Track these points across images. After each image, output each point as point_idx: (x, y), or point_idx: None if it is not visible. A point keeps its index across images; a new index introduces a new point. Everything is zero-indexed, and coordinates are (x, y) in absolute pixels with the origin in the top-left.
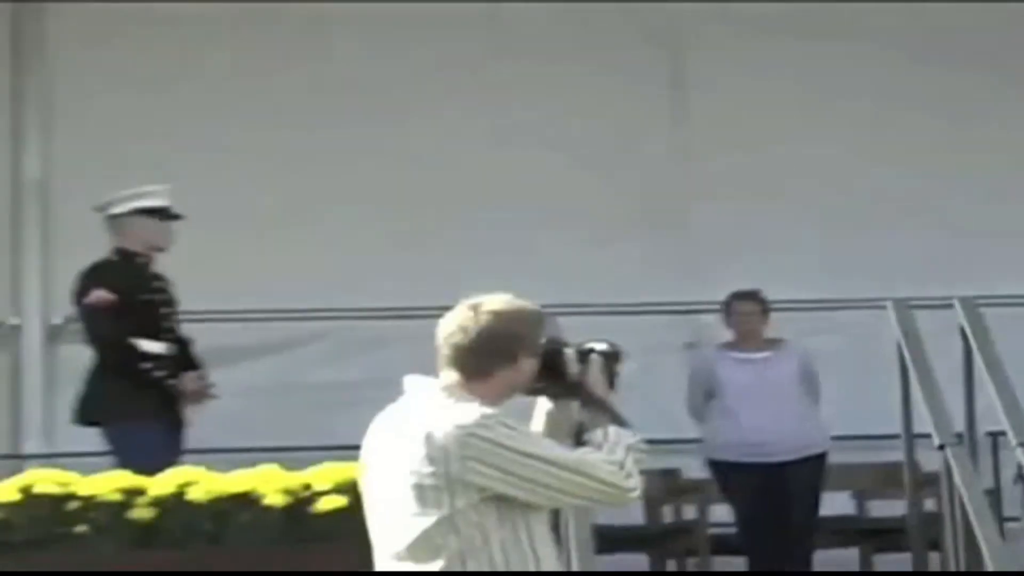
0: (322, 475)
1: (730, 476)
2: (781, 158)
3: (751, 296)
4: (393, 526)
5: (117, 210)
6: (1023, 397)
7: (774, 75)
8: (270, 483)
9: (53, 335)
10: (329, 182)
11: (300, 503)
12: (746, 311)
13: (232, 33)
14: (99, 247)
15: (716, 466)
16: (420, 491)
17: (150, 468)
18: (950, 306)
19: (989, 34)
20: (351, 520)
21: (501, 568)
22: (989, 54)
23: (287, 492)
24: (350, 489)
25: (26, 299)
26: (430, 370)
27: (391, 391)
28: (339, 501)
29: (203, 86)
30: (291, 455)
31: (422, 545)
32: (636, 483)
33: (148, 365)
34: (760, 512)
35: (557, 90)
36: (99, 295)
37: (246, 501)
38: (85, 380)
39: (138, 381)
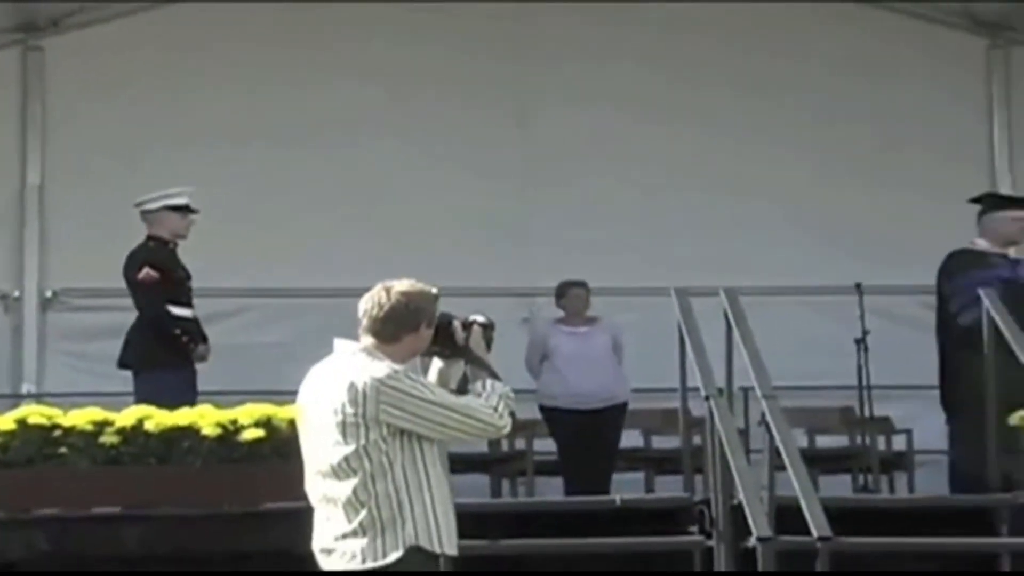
0: (245, 413)
1: (556, 418)
2: (605, 171)
3: (579, 284)
4: (322, 452)
5: (150, 206)
6: (767, 361)
7: (601, 100)
8: (206, 418)
9: (45, 305)
10: (262, 190)
11: (229, 433)
12: (575, 295)
13: (207, 56)
14: (85, 237)
15: (546, 411)
16: (343, 426)
17: (173, 405)
18: (717, 293)
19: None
20: (266, 446)
21: (401, 485)
22: (735, 74)
23: (219, 425)
24: (266, 423)
25: (26, 276)
26: (341, 335)
27: (311, 351)
28: (258, 432)
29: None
30: (239, 397)
31: (343, 466)
32: (507, 421)
33: (178, 330)
34: (576, 445)
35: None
36: (147, 272)
37: (188, 431)
38: (128, 335)
39: (169, 341)
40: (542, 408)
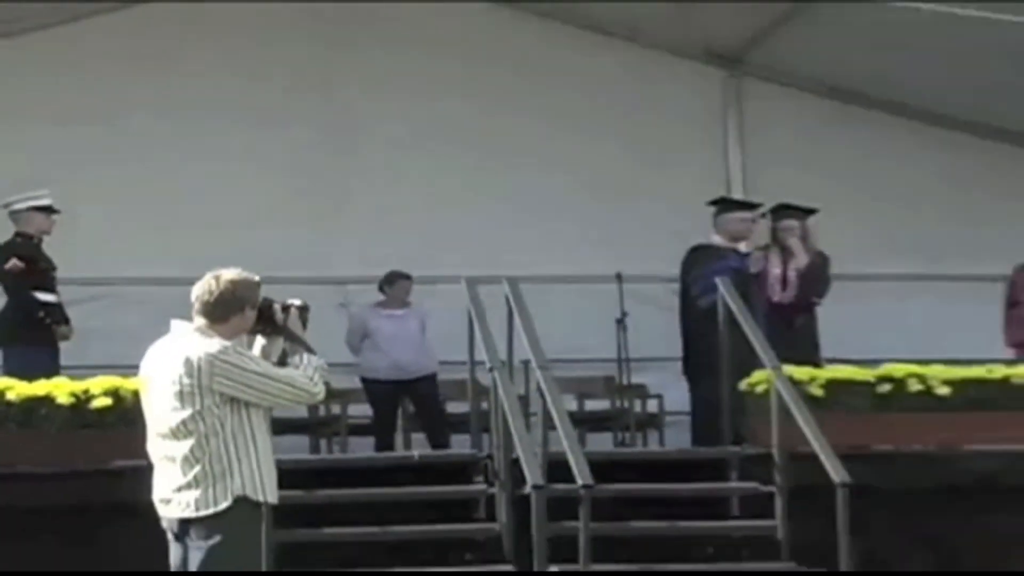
0: (96, 384)
1: (376, 388)
2: (416, 169)
3: (406, 276)
4: (162, 417)
5: (18, 207)
6: (544, 338)
7: (414, 96)
8: (61, 389)
9: None
10: (116, 192)
11: (81, 402)
12: (402, 285)
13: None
14: None
15: (368, 382)
16: (180, 395)
17: (38, 377)
18: (502, 281)
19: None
20: (114, 413)
21: (231, 444)
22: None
23: (73, 395)
24: (114, 393)
25: None
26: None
27: (154, 332)
28: (107, 401)
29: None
30: (94, 371)
31: (181, 428)
32: (321, 389)
33: (42, 313)
34: (392, 409)
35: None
36: (14, 263)
37: (45, 400)
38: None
39: (35, 322)
40: (364, 380)
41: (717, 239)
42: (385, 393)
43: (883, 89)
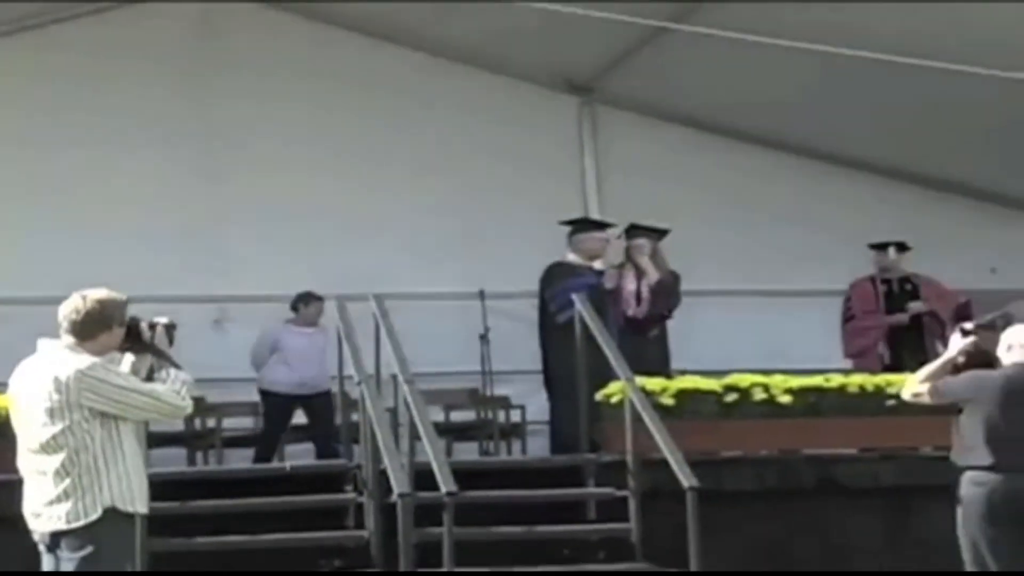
0: None
1: (276, 401)
2: (287, 188)
3: (319, 298)
4: (32, 432)
5: None
6: (412, 352)
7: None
8: None
9: None
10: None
11: None
12: (316, 306)
13: None
14: None
15: (268, 394)
16: (50, 411)
17: None
18: (367, 299)
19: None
20: None
21: (100, 457)
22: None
23: None
24: None
25: None
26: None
27: (24, 351)
28: None
29: None
30: None
31: (51, 443)
32: (188, 403)
33: None
34: (284, 422)
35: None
36: None
37: None
38: None
39: None
40: (265, 392)
41: (573, 257)
42: (283, 406)
43: (732, 117)
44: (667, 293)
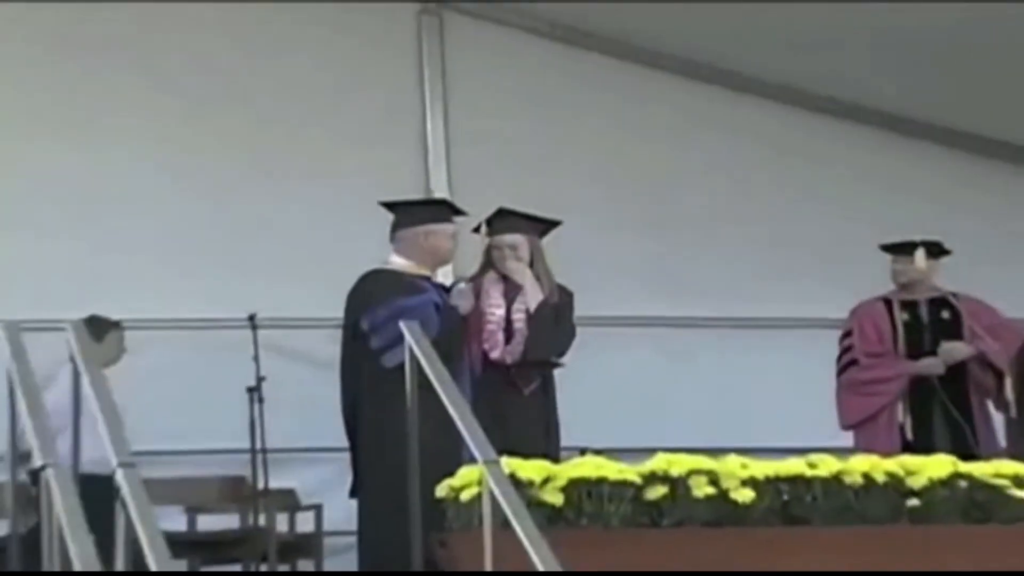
0: None
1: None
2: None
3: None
4: None
5: None
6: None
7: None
8: None
9: None
10: None
11: None
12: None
13: None
14: None
15: None
16: None
17: None
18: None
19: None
20: None
21: None
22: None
23: None
24: None
25: None
26: None
27: None
28: None
29: None
30: None
31: None
32: None
33: None
34: None
35: None
36: None
37: None
38: None
39: None
40: None
41: (402, 262)
42: None
43: (610, 25)
44: (554, 322)
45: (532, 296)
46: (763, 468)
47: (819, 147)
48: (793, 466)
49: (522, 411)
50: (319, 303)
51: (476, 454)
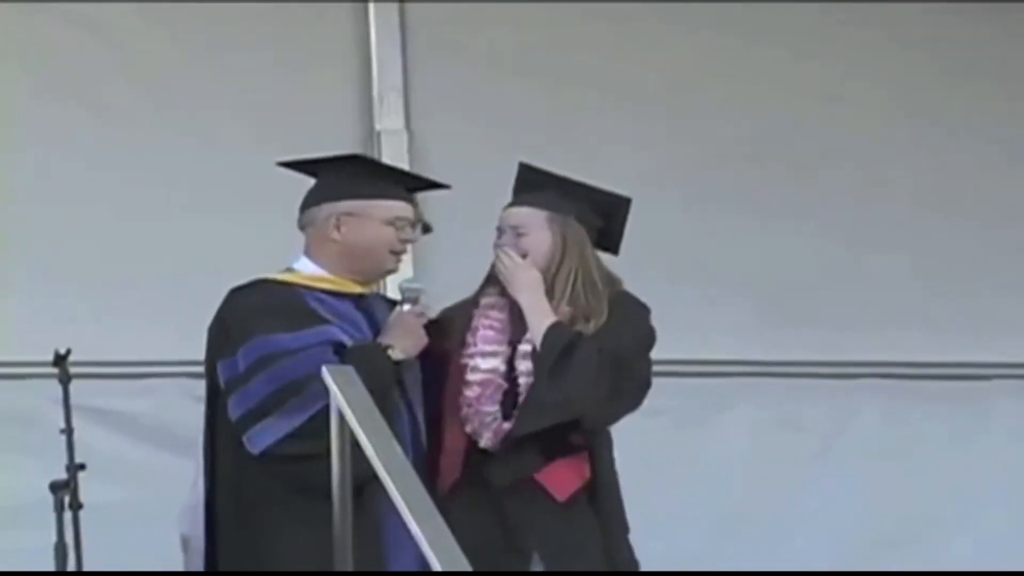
0: None
1: None
2: None
3: None
4: None
5: None
6: None
7: None
8: None
9: None
10: None
11: None
12: None
13: None
14: None
15: None
16: None
17: None
18: None
19: None
20: None
21: None
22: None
23: None
24: None
25: None
26: None
27: None
28: None
29: None
30: None
31: None
32: None
33: None
34: None
35: None
36: None
37: None
38: None
39: None
40: None
41: (309, 268)
42: None
43: None
44: (581, 371)
45: (537, 322)
46: None
47: None
48: None
49: (556, 536)
50: (178, 342)
51: None
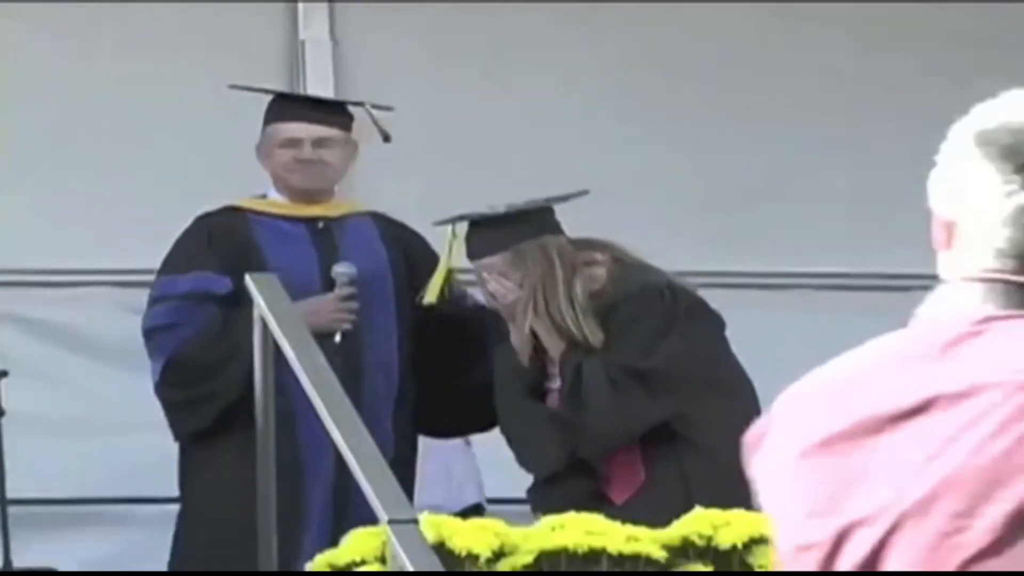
0: None
1: None
2: None
3: None
4: None
5: None
6: None
7: None
8: None
9: None
10: None
11: None
12: None
13: None
14: None
15: None
16: None
17: None
18: None
19: None
20: None
21: None
22: None
23: None
24: None
25: None
26: None
27: None
28: None
29: None
30: None
31: None
32: None
33: None
34: None
35: None
36: None
37: None
38: None
39: None
40: None
41: (272, 192)
42: None
43: None
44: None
45: (551, 342)
46: None
47: None
48: None
49: None
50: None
51: (377, 506)
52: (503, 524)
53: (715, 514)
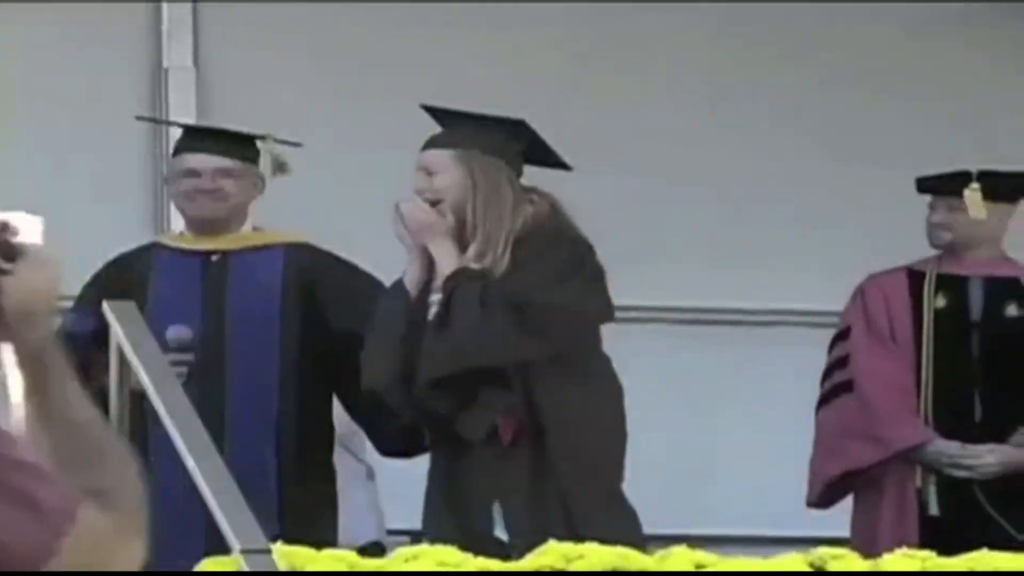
0: None
1: None
2: None
3: None
4: None
5: None
6: None
7: None
8: None
9: None
10: None
11: None
12: None
13: None
14: None
15: None
16: None
17: None
18: None
19: None
20: None
21: None
22: None
23: None
24: None
25: None
26: None
27: None
28: None
29: None
30: None
31: None
32: None
33: None
34: None
35: None
36: None
37: None
38: None
39: None
40: None
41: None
42: None
43: None
44: (487, 307)
45: (440, 268)
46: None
47: None
48: (790, 563)
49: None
50: None
51: (229, 535)
52: (355, 555)
53: (568, 547)
